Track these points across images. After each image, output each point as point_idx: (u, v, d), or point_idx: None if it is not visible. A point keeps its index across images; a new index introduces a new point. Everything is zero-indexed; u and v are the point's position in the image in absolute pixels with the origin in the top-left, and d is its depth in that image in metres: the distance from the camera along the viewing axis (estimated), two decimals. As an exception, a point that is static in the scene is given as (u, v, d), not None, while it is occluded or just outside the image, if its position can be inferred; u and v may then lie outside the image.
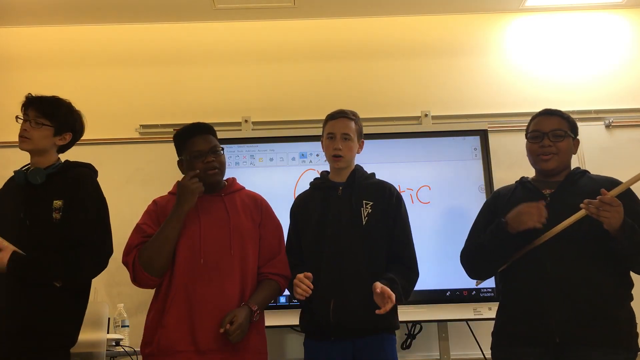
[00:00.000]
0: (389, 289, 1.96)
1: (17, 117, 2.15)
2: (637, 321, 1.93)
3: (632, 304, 1.94)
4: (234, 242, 2.07)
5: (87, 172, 2.16)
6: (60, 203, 2.02)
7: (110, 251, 2.12)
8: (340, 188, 2.24)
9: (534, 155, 2.07)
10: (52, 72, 3.78)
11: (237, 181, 2.29)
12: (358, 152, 2.30)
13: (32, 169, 2.11)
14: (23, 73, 3.77)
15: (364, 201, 2.19)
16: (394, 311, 2.12)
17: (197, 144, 2.12)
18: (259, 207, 2.21)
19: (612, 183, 1.97)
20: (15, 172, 2.14)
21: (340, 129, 2.23)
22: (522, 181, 2.14)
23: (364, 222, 2.16)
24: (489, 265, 2.05)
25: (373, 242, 2.14)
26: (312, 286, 2.03)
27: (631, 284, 1.96)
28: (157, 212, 2.15)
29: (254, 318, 2.00)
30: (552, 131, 2.04)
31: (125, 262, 2.06)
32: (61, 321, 1.98)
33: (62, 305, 1.99)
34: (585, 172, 2.09)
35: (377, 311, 1.95)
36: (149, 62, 3.82)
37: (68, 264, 1.97)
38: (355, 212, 2.17)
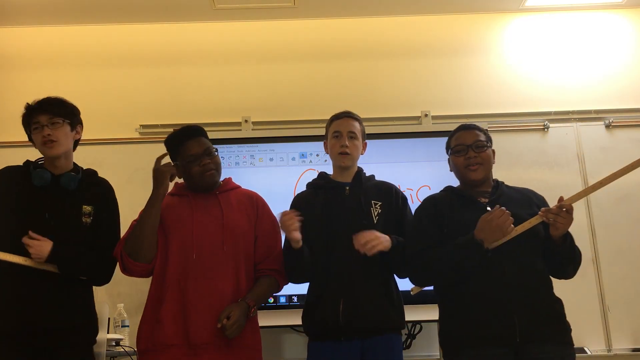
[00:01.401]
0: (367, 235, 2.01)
1: (32, 129, 2.13)
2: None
3: (568, 300, 2.05)
4: (226, 239, 2.08)
5: (109, 184, 2.30)
6: (90, 209, 2.14)
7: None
8: (347, 188, 2.23)
9: (462, 167, 2.13)
10: (52, 72, 3.77)
11: (236, 182, 2.30)
12: (362, 153, 2.31)
13: (65, 174, 2.14)
14: (23, 73, 3.77)
15: (373, 201, 2.20)
16: (401, 311, 2.16)
17: (190, 148, 2.13)
18: (254, 204, 2.21)
19: (534, 194, 2.16)
20: (38, 171, 2.11)
21: (346, 128, 2.25)
22: (454, 191, 2.17)
23: (375, 222, 2.16)
24: (453, 276, 2.02)
25: None
26: (297, 214, 2.02)
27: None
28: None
29: (250, 314, 2.02)
30: (474, 143, 2.13)
31: (114, 254, 2.12)
32: (90, 315, 2.15)
33: (86, 301, 2.15)
34: (502, 182, 2.21)
35: (362, 242, 1.98)
36: (149, 62, 3.82)
37: (103, 262, 2.14)
38: (366, 212, 2.17)
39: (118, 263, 2.13)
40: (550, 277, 2.05)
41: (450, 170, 2.21)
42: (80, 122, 2.24)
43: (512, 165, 3.52)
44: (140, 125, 3.67)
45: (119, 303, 3.04)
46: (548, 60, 3.82)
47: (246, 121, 3.64)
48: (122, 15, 3.77)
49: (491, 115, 3.65)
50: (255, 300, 2.05)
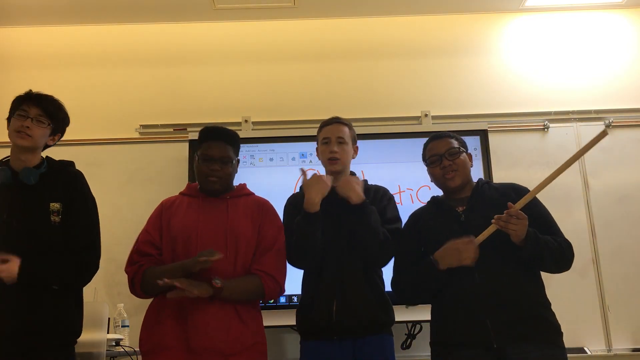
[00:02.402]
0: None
1: (16, 113, 2.03)
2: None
3: (568, 300, 2.03)
4: (229, 245, 2.06)
5: (79, 173, 2.11)
6: (58, 206, 1.99)
7: (100, 252, 2.11)
8: None
9: (439, 177, 2.16)
10: (52, 72, 3.78)
11: (236, 182, 2.28)
12: (353, 158, 2.33)
13: (23, 168, 2.01)
14: (23, 73, 3.77)
15: None
16: (389, 308, 2.19)
17: (210, 148, 2.15)
18: (261, 210, 2.19)
19: (514, 189, 2.13)
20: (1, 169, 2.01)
21: (335, 133, 2.27)
22: (435, 201, 2.22)
23: None
24: (422, 296, 2.14)
25: None
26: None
27: (543, 285, 2.07)
28: (161, 214, 2.16)
29: (216, 291, 1.93)
30: (447, 151, 2.15)
31: (127, 271, 2.08)
32: (64, 315, 1.98)
33: (62, 299, 1.98)
34: (488, 181, 2.22)
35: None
36: (149, 62, 3.82)
37: (78, 267, 1.99)
38: (357, 214, 2.17)
39: (127, 281, 2.07)
40: (539, 279, 2.05)
41: (431, 181, 2.23)
42: (61, 132, 2.13)
43: (512, 165, 3.52)
44: (140, 125, 3.67)
45: (119, 303, 3.04)
46: (548, 60, 3.82)
47: (246, 121, 3.64)
48: (122, 15, 3.77)
49: (491, 115, 3.65)
50: (224, 284, 1.95)
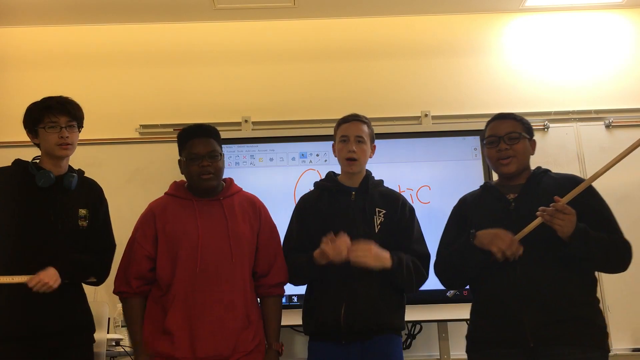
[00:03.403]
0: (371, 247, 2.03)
1: (47, 126, 2.09)
2: (606, 322, 1.95)
3: (608, 304, 1.97)
4: (234, 249, 2.06)
5: (99, 185, 2.27)
6: (85, 212, 2.13)
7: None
8: (354, 193, 2.21)
9: (493, 160, 2.07)
10: (52, 72, 3.77)
11: (235, 182, 2.26)
12: (370, 157, 2.28)
13: (66, 174, 2.13)
14: (23, 73, 3.77)
15: (377, 209, 2.19)
16: (401, 312, 2.17)
17: (195, 146, 2.10)
18: (257, 212, 2.18)
19: (572, 181, 2.00)
20: (41, 172, 2.08)
21: (354, 132, 2.21)
22: (487, 186, 2.16)
23: (376, 230, 2.15)
24: (460, 274, 2.08)
25: (384, 249, 2.13)
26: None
27: (594, 283, 1.98)
28: (154, 221, 2.12)
29: (281, 352, 2.14)
30: (507, 134, 2.04)
31: (118, 292, 2.12)
32: (86, 314, 2.15)
33: (80, 299, 2.15)
34: (547, 171, 2.10)
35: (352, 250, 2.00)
36: (149, 62, 3.82)
37: (103, 266, 2.18)
38: (368, 219, 2.16)
39: (114, 288, 2.15)
40: (591, 277, 1.96)
41: (487, 162, 2.16)
42: (80, 129, 2.22)
43: (512, 165, 3.52)
44: (140, 125, 3.67)
45: (119, 303, 3.03)
46: (548, 60, 3.82)
47: (246, 121, 3.64)
48: (122, 15, 3.77)
49: (491, 115, 3.63)
50: (278, 339, 2.14)
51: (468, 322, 2.14)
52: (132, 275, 2.08)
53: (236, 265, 2.05)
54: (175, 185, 2.21)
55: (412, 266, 2.11)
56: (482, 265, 1.94)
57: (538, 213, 1.85)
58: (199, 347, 1.95)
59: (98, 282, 2.20)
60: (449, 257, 2.07)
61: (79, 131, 2.18)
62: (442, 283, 2.16)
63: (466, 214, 2.10)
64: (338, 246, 2.00)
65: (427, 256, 2.21)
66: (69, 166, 2.19)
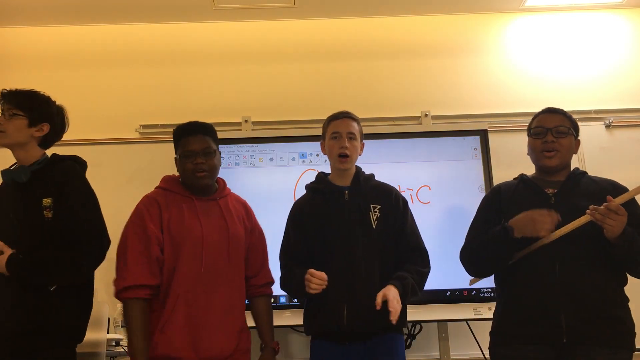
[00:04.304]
0: (390, 298, 1.95)
1: None
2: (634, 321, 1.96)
3: (630, 303, 1.98)
4: (232, 250, 2.06)
5: (71, 165, 2.06)
6: (49, 201, 1.95)
7: (107, 242, 2.05)
8: (347, 192, 2.21)
9: (537, 151, 2.06)
10: (52, 72, 3.77)
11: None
12: (360, 154, 2.28)
13: (16, 167, 2.06)
14: (23, 73, 3.76)
15: (372, 205, 2.17)
16: (403, 311, 2.14)
17: (190, 143, 2.08)
18: (249, 213, 2.24)
19: (613, 186, 2.02)
20: (1, 171, 2.08)
21: (345, 128, 2.20)
22: (523, 179, 2.14)
23: (373, 226, 2.14)
24: (491, 264, 2.07)
25: (383, 246, 2.13)
26: (325, 277, 1.99)
27: (625, 283, 2.00)
28: (161, 212, 2.06)
29: (278, 351, 2.18)
30: (555, 127, 2.04)
31: (121, 297, 2.01)
32: (65, 317, 1.95)
33: (64, 301, 1.95)
34: (585, 172, 2.10)
35: (391, 318, 1.94)
36: (149, 62, 3.82)
37: (69, 263, 1.93)
38: (364, 217, 2.15)
39: (113, 288, 2.04)
40: (623, 277, 1.97)
41: (527, 154, 2.14)
42: (46, 121, 2.09)
43: (512, 165, 3.48)
44: (140, 125, 3.67)
45: (119, 303, 3.04)
46: (548, 60, 3.82)
47: (246, 121, 3.64)
48: (122, 15, 3.77)
49: (491, 115, 3.65)
50: (273, 337, 2.17)
51: (493, 316, 2.11)
52: (138, 282, 1.98)
53: (234, 265, 2.06)
54: (169, 179, 2.17)
55: (414, 282, 2.09)
56: (517, 250, 1.92)
57: (588, 211, 1.84)
58: (202, 347, 1.95)
59: (69, 281, 1.96)
60: (481, 247, 2.03)
61: (34, 123, 2.06)
62: (468, 270, 2.16)
63: (500, 204, 2.08)
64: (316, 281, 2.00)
65: (422, 249, 2.21)
66: (45, 157, 2.08)
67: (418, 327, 3.18)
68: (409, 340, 3.16)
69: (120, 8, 3.70)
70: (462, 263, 2.15)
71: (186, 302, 1.97)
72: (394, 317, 1.94)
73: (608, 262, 1.90)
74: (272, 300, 2.31)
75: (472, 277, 2.20)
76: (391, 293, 1.96)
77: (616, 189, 1.98)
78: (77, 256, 1.95)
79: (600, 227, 1.83)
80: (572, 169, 2.11)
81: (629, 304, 1.98)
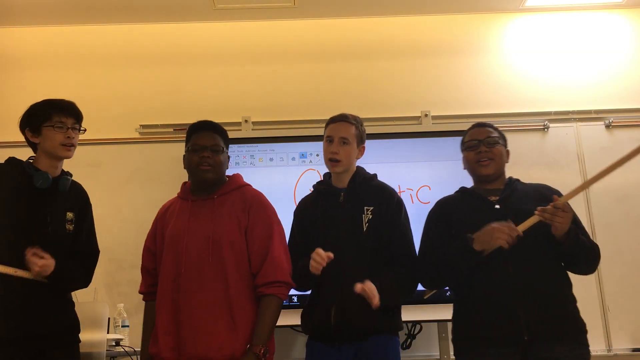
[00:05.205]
0: (368, 287, 1.98)
1: (55, 126, 2.09)
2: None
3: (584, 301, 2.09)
4: (213, 251, 2.01)
5: (84, 188, 2.24)
6: (72, 215, 2.12)
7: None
8: (342, 194, 2.21)
9: (473, 162, 2.17)
10: (52, 72, 3.77)
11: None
12: (358, 157, 2.27)
13: (62, 177, 2.12)
14: (23, 73, 3.77)
15: (365, 207, 2.17)
16: (396, 312, 2.14)
17: (199, 138, 2.12)
18: (246, 209, 2.09)
19: (547, 188, 2.16)
20: (39, 173, 2.06)
21: (338, 133, 2.21)
22: (465, 191, 2.22)
23: (364, 229, 2.14)
24: (456, 275, 2.08)
25: (372, 249, 2.13)
26: (329, 256, 1.99)
27: (571, 284, 2.07)
28: (157, 222, 2.19)
29: (262, 358, 1.93)
30: (486, 138, 2.16)
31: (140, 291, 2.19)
32: (75, 317, 2.14)
33: (71, 302, 2.15)
34: (518, 179, 2.22)
35: (373, 305, 1.96)
36: (149, 62, 3.82)
37: (87, 272, 2.18)
38: (356, 219, 2.15)
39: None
40: (568, 276, 2.05)
41: (464, 169, 2.24)
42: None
43: (512, 165, 3.45)
44: (140, 125, 3.67)
45: (119, 303, 3.04)
46: (548, 60, 3.82)
47: (246, 121, 3.64)
48: (122, 15, 3.77)
49: (491, 115, 3.64)
50: (262, 343, 1.94)
51: (452, 322, 2.13)
52: (143, 269, 2.19)
53: (213, 267, 2.00)
54: (183, 185, 2.23)
55: (394, 287, 2.07)
56: (476, 266, 1.99)
57: (537, 212, 1.93)
58: (182, 350, 1.94)
59: (84, 287, 2.20)
60: (438, 261, 2.08)
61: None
62: (424, 284, 2.19)
63: (449, 216, 2.15)
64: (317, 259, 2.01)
65: (410, 255, 2.18)
66: (62, 169, 2.18)
67: (418, 327, 3.18)
68: (409, 340, 3.16)
69: (120, 8, 3.70)
70: (419, 276, 2.16)
71: (170, 304, 2.00)
72: (367, 293, 1.96)
73: (557, 262, 2.02)
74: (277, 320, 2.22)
75: (426, 290, 2.21)
76: (368, 283, 1.99)
77: (550, 190, 2.12)
78: (92, 268, 2.20)
79: (547, 228, 1.93)
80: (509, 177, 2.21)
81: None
